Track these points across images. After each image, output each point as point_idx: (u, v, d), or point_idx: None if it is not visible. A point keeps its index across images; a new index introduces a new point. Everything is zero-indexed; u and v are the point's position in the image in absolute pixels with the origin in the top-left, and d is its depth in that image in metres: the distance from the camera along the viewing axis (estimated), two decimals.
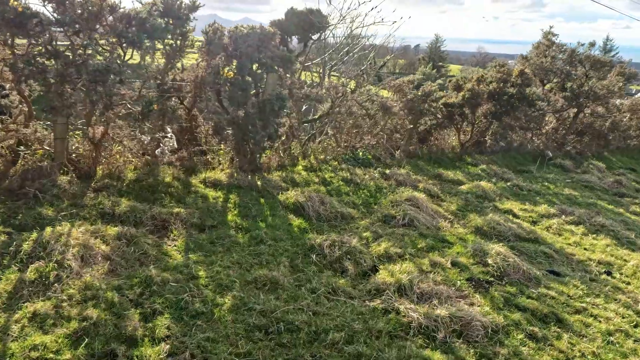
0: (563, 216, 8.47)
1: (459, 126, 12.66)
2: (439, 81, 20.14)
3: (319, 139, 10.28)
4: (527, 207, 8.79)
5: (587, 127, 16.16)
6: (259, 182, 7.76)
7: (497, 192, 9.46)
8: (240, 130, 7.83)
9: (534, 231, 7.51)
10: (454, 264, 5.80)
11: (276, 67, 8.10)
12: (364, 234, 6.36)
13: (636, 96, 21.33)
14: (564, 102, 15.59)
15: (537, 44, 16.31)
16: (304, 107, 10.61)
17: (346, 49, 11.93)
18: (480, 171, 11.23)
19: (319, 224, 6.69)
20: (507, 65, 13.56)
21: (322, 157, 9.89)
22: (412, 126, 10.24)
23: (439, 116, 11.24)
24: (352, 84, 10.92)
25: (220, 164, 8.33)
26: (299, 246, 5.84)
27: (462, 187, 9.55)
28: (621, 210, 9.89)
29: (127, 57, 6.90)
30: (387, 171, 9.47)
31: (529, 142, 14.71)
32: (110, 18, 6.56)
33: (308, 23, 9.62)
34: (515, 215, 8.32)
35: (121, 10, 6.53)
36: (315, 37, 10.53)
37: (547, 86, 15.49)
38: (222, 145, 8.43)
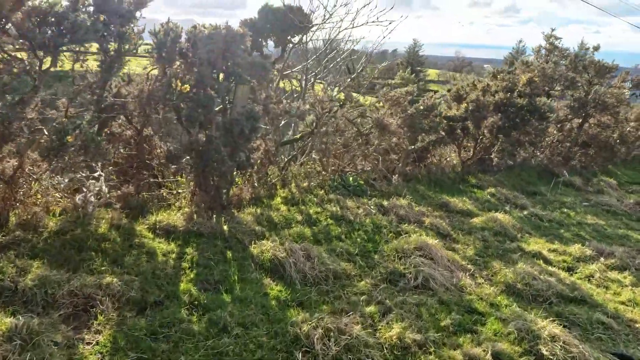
0: (602, 259, 6.94)
1: (460, 142, 11.11)
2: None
3: (301, 160, 8.57)
4: (556, 247, 7.23)
5: (592, 139, 14.81)
6: (225, 227, 6.00)
7: (517, 226, 7.89)
8: (201, 158, 6.07)
9: (578, 286, 5.92)
10: (497, 356, 4.15)
11: (247, 77, 6.39)
12: (367, 309, 4.66)
13: None
14: (568, 112, 14.23)
15: (538, 47, 14.94)
16: (283, 122, 8.90)
17: (332, 54, 10.25)
18: (489, 196, 9.67)
19: (305, 290, 4.97)
20: (513, 73, 12.09)
21: (305, 184, 8.20)
22: (412, 147, 8.63)
23: (441, 132, 9.66)
24: (341, 96, 9.29)
25: (178, 199, 6.56)
26: (278, 336, 4.11)
27: (475, 220, 7.96)
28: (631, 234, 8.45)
29: (48, 66, 5.10)
30: (385, 203, 7.81)
31: (532, 156, 13.27)
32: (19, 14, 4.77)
33: (287, 23, 7.94)
34: (546, 261, 6.74)
35: (30, 3, 4.74)
36: (295, 39, 8.84)
37: (555, 94, 14.09)
38: (179, 176, 6.67)
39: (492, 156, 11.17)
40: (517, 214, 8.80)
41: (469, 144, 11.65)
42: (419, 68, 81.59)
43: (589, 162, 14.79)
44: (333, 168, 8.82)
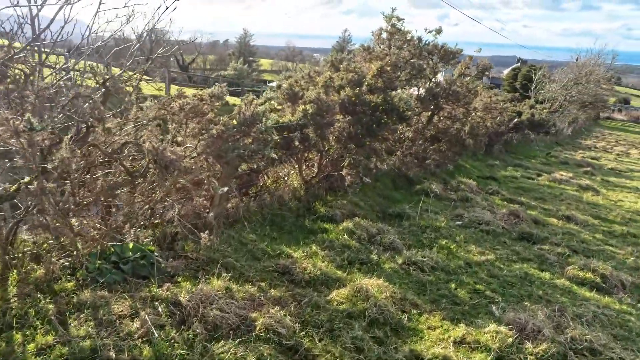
0: (529, 344, 4.47)
1: (301, 157, 8.14)
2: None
3: (27, 227, 4.70)
4: (464, 334, 4.55)
5: (442, 133, 13.18)
6: None
7: (397, 298, 5.10)
8: None
9: None
10: None
11: None
12: None
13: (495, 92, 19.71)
14: (416, 104, 12.27)
15: (379, 31, 12.71)
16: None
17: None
18: (346, 235, 6.85)
19: None
20: (356, 62, 9.49)
21: (41, 273, 4.41)
22: (225, 189, 5.28)
23: (272, 154, 6.44)
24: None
25: None
26: None
27: (335, 296, 4.97)
28: (562, 281, 6.44)
29: None
30: (185, 296, 4.38)
31: (384, 160, 10.97)
32: None
33: None
34: None
35: None
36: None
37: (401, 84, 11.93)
38: None
39: (343, 173, 8.42)
40: (389, 265, 6.09)
41: (312, 156, 8.76)
42: (251, 58, 79.15)
43: (441, 159, 13.15)
44: (97, 232, 5.06)
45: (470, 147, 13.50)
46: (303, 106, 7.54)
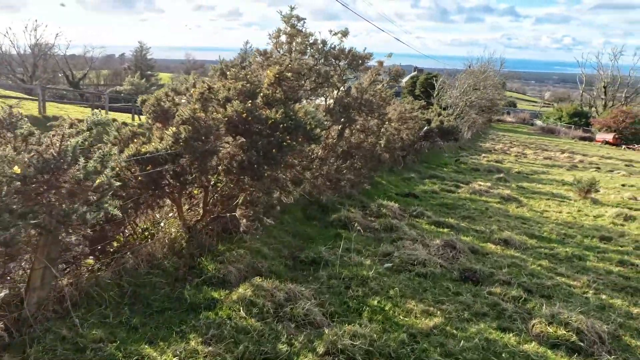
0: None
1: (178, 195, 5.95)
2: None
3: None
4: None
5: (355, 148, 11.60)
6: None
7: None
8: None
9: None
10: None
11: None
12: None
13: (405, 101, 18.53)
14: (326, 117, 10.54)
15: (277, 33, 10.85)
16: None
17: None
18: (242, 310, 4.80)
19: None
20: (249, 67, 7.53)
21: None
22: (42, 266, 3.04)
23: (114, 210, 4.22)
24: None
25: None
26: None
27: None
28: (532, 346, 4.89)
29: None
30: None
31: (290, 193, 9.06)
32: None
33: None
34: None
35: None
36: None
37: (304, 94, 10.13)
38: None
39: (237, 214, 6.36)
40: None
41: (196, 191, 6.61)
42: (149, 72, 74.38)
43: (356, 177, 11.55)
44: None
45: (386, 162, 12.06)
46: (174, 129, 5.40)
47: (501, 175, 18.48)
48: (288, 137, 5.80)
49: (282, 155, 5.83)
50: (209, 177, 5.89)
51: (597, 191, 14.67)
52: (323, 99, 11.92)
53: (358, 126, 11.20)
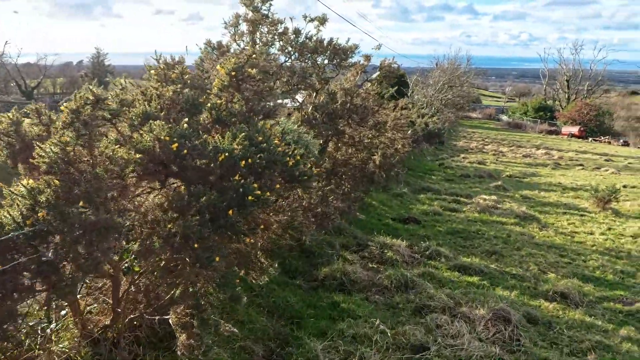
0: None
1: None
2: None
3: None
4: None
5: (342, 166, 9.10)
6: None
7: None
8: None
9: None
10: None
11: None
12: None
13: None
14: (303, 129, 7.97)
15: (234, 19, 8.19)
16: None
17: None
18: None
19: None
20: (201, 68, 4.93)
21: None
22: None
23: None
24: None
25: None
26: None
27: None
28: None
29: None
30: None
31: (264, 272, 6.47)
32: None
33: None
34: None
35: None
36: None
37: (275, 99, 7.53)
38: None
39: (170, 318, 3.73)
40: None
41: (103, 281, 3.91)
42: (108, 79, 70.20)
43: (345, 202, 9.03)
44: None
45: (381, 181, 9.61)
46: (35, 183, 2.74)
47: (499, 183, 16.34)
48: (256, 182, 3.20)
49: (246, 215, 3.23)
50: (114, 258, 3.24)
51: (617, 201, 12.63)
52: (296, 103, 9.39)
53: (346, 138, 8.68)
